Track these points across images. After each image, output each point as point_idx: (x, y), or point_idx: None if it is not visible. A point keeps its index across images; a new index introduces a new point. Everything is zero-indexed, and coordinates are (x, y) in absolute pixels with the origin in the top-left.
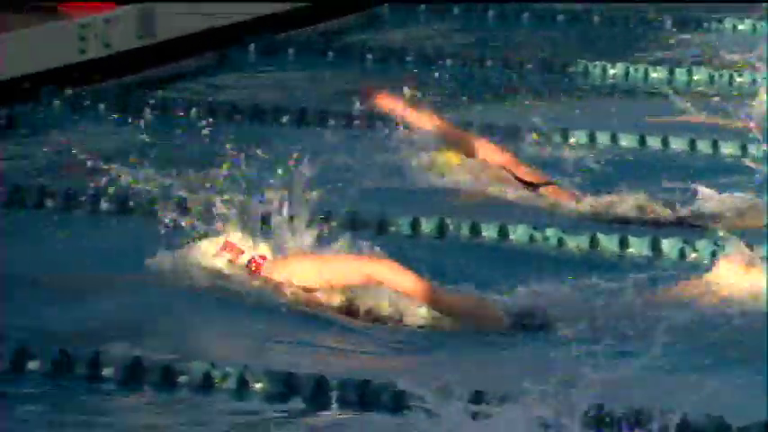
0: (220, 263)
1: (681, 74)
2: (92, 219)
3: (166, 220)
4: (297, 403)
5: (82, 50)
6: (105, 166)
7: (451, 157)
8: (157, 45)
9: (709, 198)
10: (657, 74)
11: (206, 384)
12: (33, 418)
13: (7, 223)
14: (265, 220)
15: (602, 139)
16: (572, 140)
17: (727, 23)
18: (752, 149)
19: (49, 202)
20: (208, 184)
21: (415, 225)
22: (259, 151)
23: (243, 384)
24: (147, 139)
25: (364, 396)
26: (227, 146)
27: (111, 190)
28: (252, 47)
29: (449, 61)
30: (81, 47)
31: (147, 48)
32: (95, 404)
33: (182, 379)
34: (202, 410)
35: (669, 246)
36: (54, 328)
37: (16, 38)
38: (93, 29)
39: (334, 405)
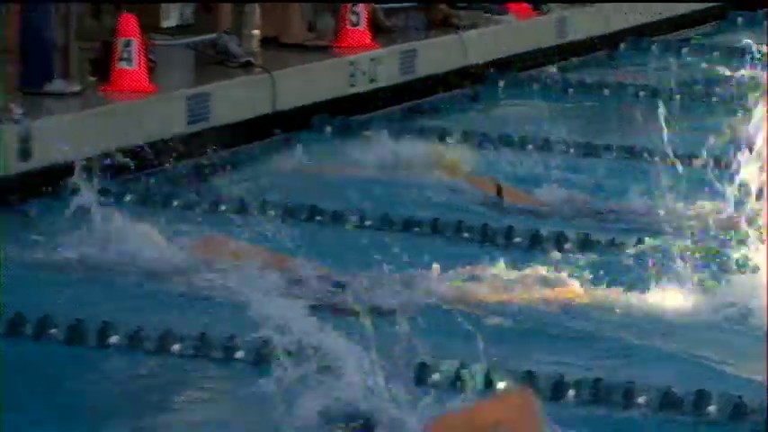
0: None
1: None
2: None
3: None
4: None
5: (351, 84)
6: None
7: None
8: (417, 80)
9: None
10: None
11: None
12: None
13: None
14: None
15: None
16: None
17: None
18: None
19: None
20: None
21: None
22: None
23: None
24: None
25: None
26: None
27: None
28: (501, 83)
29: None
30: (351, 81)
31: (408, 83)
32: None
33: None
34: None
35: None
36: None
37: (294, 73)
38: (361, 66)
39: None
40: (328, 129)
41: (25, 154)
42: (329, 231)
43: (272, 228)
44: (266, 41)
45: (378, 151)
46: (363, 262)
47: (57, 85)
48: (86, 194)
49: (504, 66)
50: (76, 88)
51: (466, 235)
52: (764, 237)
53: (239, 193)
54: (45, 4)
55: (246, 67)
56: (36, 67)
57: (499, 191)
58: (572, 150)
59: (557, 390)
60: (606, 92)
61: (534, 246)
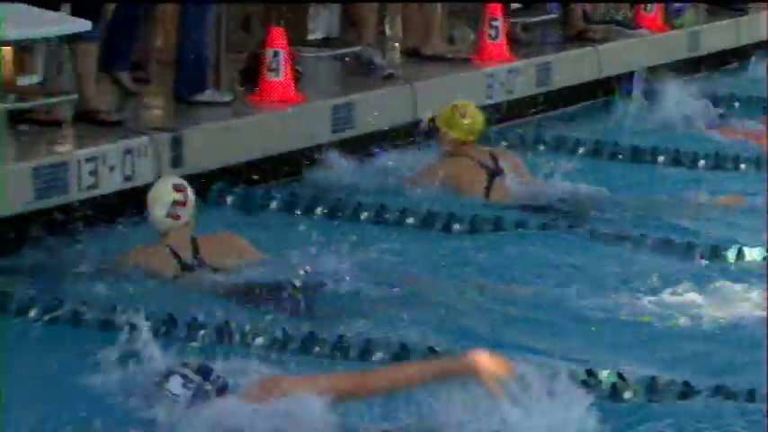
0: None
1: None
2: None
3: None
4: None
5: (489, 96)
6: None
7: None
8: (552, 92)
9: None
10: None
11: None
12: None
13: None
14: None
15: None
16: None
17: None
18: None
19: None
20: None
21: None
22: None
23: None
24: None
25: None
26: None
27: None
28: (633, 95)
29: None
30: (488, 93)
31: (544, 94)
32: None
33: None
34: None
35: None
36: None
37: (435, 84)
38: (498, 78)
39: None
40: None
41: (177, 161)
42: None
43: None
44: (408, 53)
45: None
46: None
47: (209, 95)
48: (230, 200)
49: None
50: (228, 98)
51: None
52: (765, 237)
53: None
54: (201, 16)
55: (389, 78)
56: (191, 78)
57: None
58: (702, 162)
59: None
60: (737, 105)
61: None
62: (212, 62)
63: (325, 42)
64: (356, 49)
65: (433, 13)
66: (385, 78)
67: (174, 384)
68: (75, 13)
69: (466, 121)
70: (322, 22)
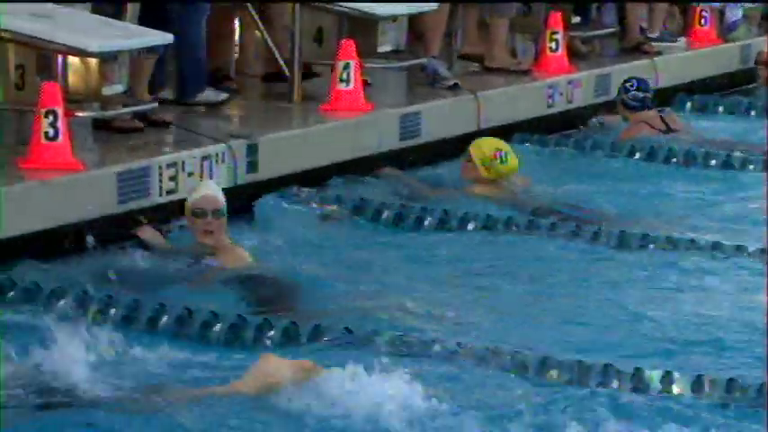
0: None
1: None
2: None
3: None
4: None
5: (549, 105)
6: None
7: None
8: (610, 102)
9: None
10: None
11: None
12: None
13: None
14: None
15: None
16: None
17: None
18: None
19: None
20: None
21: None
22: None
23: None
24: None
25: None
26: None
27: None
28: (688, 105)
29: None
30: (549, 102)
31: (602, 104)
32: None
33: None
34: None
35: None
36: None
37: (498, 95)
38: (559, 88)
39: None
40: (527, 145)
41: (252, 167)
42: None
43: None
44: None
45: (566, 165)
46: None
47: (207, 95)
48: (305, 201)
49: (692, 89)
50: (223, 97)
51: None
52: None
53: None
54: (192, 18)
55: (454, 88)
56: (190, 79)
57: None
58: (751, 167)
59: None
60: None
61: None
62: (206, 62)
63: (394, 54)
64: (422, 60)
65: (497, 27)
66: (449, 88)
67: None
68: (142, 23)
69: (503, 168)
70: (390, 36)
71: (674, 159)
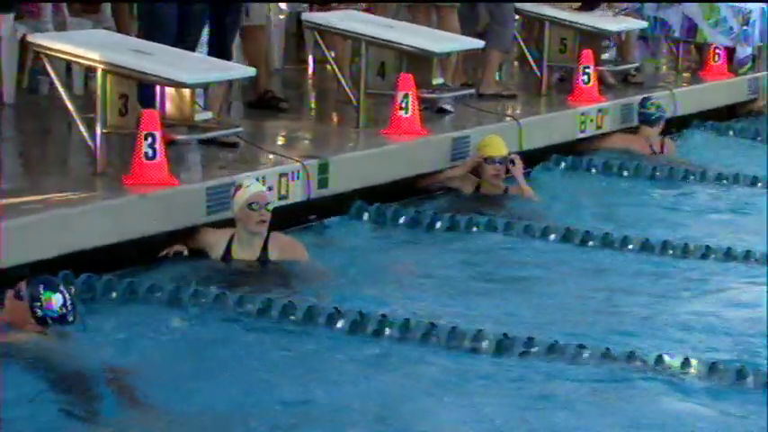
0: None
1: None
2: None
3: None
4: None
5: (582, 130)
6: None
7: None
8: (634, 128)
9: None
10: None
11: None
12: None
13: None
14: None
15: None
16: None
17: None
18: None
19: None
20: None
21: None
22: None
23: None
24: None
25: None
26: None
27: None
28: (701, 130)
29: None
30: (581, 128)
31: (627, 129)
32: None
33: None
34: None
35: None
36: None
37: (538, 121)
38: (590, 115)
39: None
40: (562, 164)
41: (323, 182)
42: None
43: None
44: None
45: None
46: None
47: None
48: (365, 216)
49: (706, 117)
50: (209, 116)
51: None
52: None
53: None
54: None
55: (498, 114)
56: None
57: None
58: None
59: None
60: None
61: None
62: None
63: (445, 87)
64: (471, 91)
65: (494, 58)
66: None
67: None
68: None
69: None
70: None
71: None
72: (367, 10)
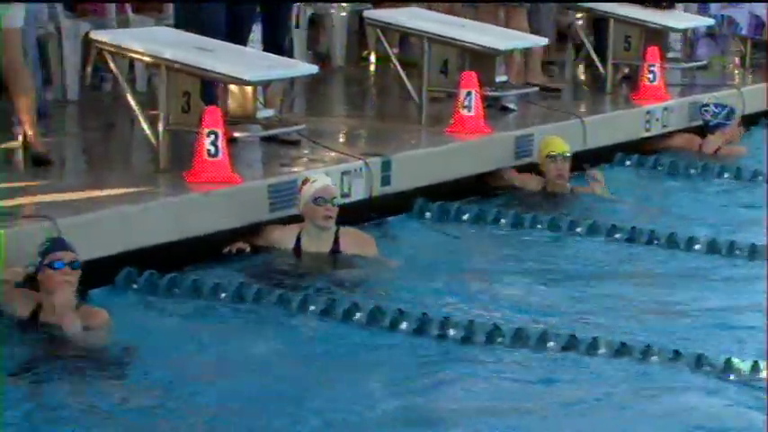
0: None
1: None
2: None
3: None
4: None
5: (647, 129)
6: None
7: None
8: (700, 126)
9: None
10: None
11: None
12: None
13: None
14: None
15: None
16: None
17: None
18: None
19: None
20: None
21: None
22: None
23: None
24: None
25: None
26: None
27: None
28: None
29: None
30: (646, 127)
31: (694, 128)
32: None
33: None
34: None
35: None
36: None
37: (602, 120)
38: (655, 114)
39: None
40: (627, 162)
41: (386, 180)
42: None
43: None
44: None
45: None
46: None
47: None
48: (427, 214)
49: None
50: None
51: None
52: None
53: None
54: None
55: (562, 112)
56: None
57: None
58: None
59: None
60: None
61: None
62: None
63: (507, 84)
64: (534, 89)
65: (538, 50)
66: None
67: None
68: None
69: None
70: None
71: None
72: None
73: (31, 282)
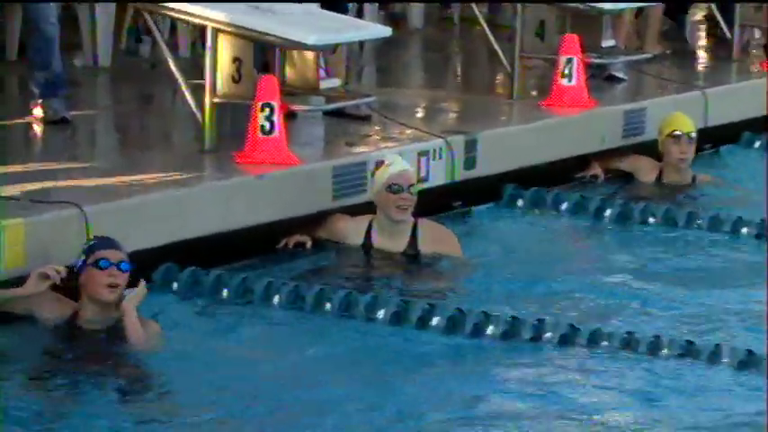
0: None
1: None
2: None
3: None
4: None
5: None
6: None
7: None
8: None
9: None
10: None
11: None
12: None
13: None
14: None
15: None
16: None
17: None
18: None
19: None
20: None
21: None
22: None
23: None
24: None
25: None
26: None
27: None
28: None
29: None
30: None
31: None
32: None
33: None
34: None
35: None
36: None
37: (728, 91)
38: None
39: None
40: (757, 143)
41: (470, 163)
42: None
43: None
44: None
45: None
46: None
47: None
48: (519, 202)
49: None
50: None
51: None
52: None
53: None
54: None
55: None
56: None
57: None
58: None
59: None
60: None
61: None
62: None
63: (615, 49)
64: (647, 55)
65: (655, 17)
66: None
67: None
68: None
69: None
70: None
71: None
72: None
73: (66, 283)
